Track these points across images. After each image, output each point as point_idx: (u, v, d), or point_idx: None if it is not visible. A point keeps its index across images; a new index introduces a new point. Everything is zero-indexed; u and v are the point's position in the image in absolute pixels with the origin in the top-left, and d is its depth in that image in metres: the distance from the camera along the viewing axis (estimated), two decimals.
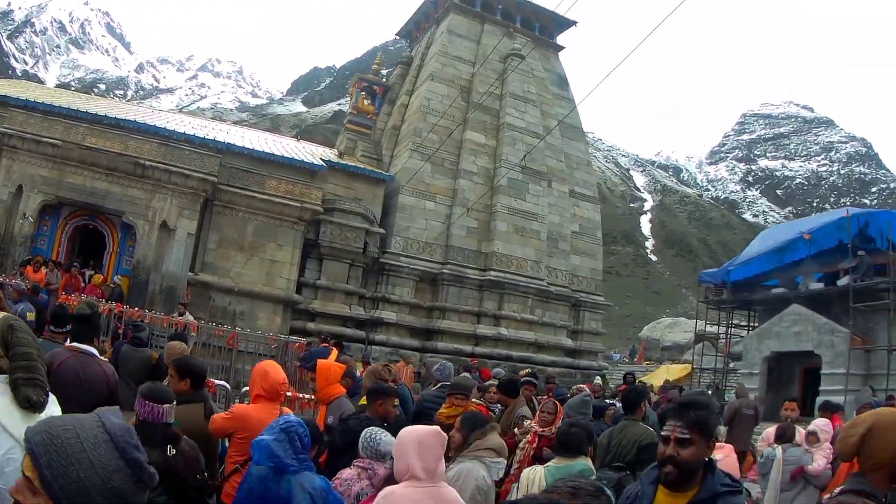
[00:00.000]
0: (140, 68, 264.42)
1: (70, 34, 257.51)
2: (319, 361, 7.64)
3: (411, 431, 4.30)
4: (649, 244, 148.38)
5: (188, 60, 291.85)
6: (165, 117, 32.64)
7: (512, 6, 35.42)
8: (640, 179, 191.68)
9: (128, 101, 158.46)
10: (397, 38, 40.53)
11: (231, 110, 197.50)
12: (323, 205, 27.00)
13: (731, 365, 29.69)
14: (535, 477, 5.82)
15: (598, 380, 23.41)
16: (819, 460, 9.20)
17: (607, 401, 11.78)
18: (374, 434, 5.15)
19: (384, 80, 37.34)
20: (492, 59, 32.95)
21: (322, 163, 28.28)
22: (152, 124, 26.44)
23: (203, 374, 6.38)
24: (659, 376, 36.33)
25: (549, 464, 6.03)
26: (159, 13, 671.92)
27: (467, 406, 7.58)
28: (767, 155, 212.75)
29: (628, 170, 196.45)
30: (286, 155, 28.12)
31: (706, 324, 30.84)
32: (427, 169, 29.75)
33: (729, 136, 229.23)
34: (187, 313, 20.53)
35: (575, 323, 31.95)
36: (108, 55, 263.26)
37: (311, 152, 30.51)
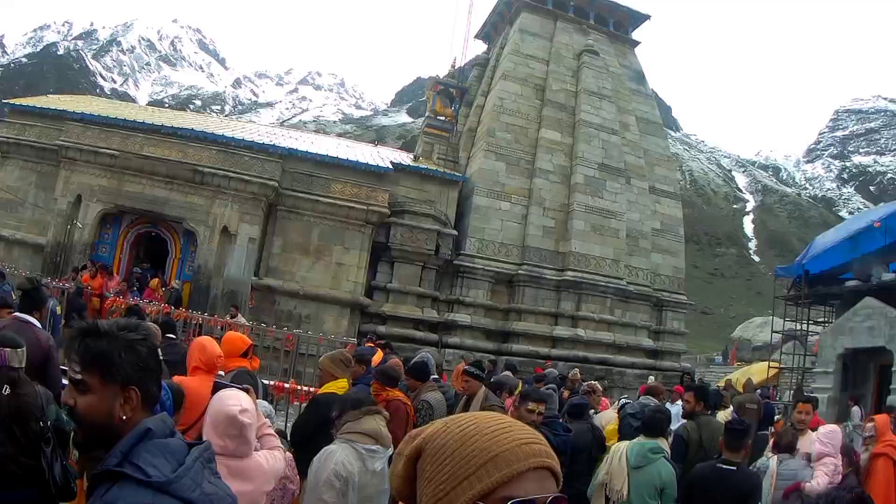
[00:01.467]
0: (237, 83, 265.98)
1: (160, 52, 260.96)
2: (227, 333, 7.82)
3: (214, 404, 4.03)
4: (752, 245, 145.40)
5: (287, 74, 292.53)
6: (225, 125, 33.24)
7: (585, 3, 34.83)
8: (741, 180, 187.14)
9: (225, 115, 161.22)
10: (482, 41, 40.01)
11: (334, 122, 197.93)
12: (393, 207, 26.85)
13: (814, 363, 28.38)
14: (620, 450, 6.93)
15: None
16: (819, 477, 7.41)
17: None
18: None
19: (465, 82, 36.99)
20: (565, 56, 32.50)
21: (388, 165, 28.09)
22: (210, 132, 26.89)
23: None
24: (739, 377, 35.16)
25: (633, 441, 6.97)
26: (254, 29, 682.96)
27: (388, 393, 7.39)
28: (860, 151, 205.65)
29: (730, 171, 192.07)
30: (350, 158, 28.03)
31: (785, 321, 29.57)
32: (502, 169, 29.34)
33: (824, 133, 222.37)
34: (239, 315, 20.55)
35: (657, 323, 31.01)
36: (203, 71, 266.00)
37: (382, 156, 30.27)
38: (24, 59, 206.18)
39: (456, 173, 29.98)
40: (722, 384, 21.70)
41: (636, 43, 36.56)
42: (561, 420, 8.41)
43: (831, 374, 23.34)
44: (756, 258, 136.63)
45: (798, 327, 28.67)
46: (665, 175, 33.70)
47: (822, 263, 27.39)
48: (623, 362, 28.45)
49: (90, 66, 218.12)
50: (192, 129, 26.92)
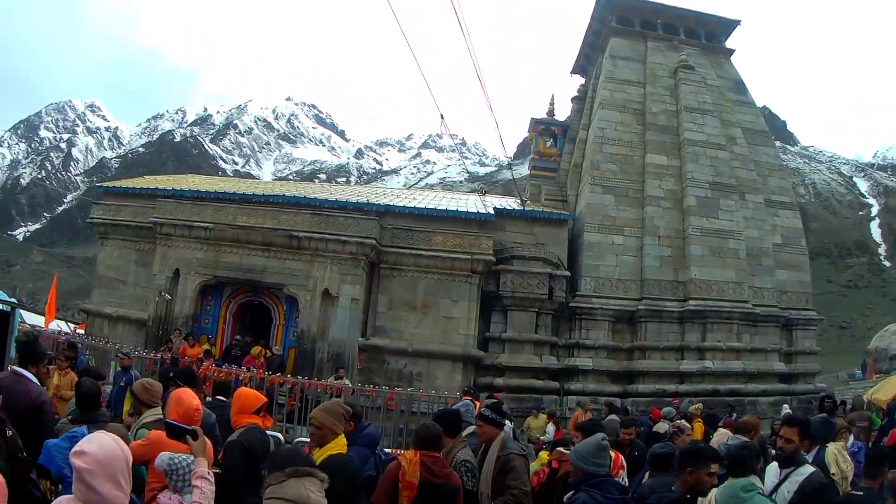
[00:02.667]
0: (359, 154, 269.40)
1: (278, 130, 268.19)
2: (240, 388, 7.92)
3: None
4: (881, 250, 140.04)
5: (408, 140, 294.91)
6: (318, 189, 33.61)
7: (673, 18, 33.62)
8: (863, 185, 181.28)
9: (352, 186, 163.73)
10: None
11: (461, 182, 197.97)
12: (500, 254, 26.01)
13: None
14: (709, 498, 5.75)
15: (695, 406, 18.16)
16: None
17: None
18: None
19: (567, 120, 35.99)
20: (661, 75, 31.38)
21: (489, 211, 27.25)
22: (302, 196, 27.14)
23: (84, 398, 7.42)
24: (885, 390, 32.86)
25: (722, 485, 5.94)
26: (368, 100, 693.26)
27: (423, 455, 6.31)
28: None
29: (851, 177, 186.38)
30: (449, 208, 27.31)
31: None
32: (610, 201, 28.21)
33: None
34: (345, 378, 20.40)
35: (788, 344, 28.84)
36: (323, 145, 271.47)
37: (486, 204, 29.33)
38: (142, 149, 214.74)
39: (563, 212, 28.97)
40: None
41: (731, 51, 34.87)
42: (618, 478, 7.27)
43: None
44: (887, 263, 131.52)
45: None
46: (780, 185, 31.76)
47: None
48: (754, 391, 26.54)
49: (209, 150, 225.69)
50: (284, 195, 27.16)
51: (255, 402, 6.94)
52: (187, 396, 6.15)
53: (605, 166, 28.72)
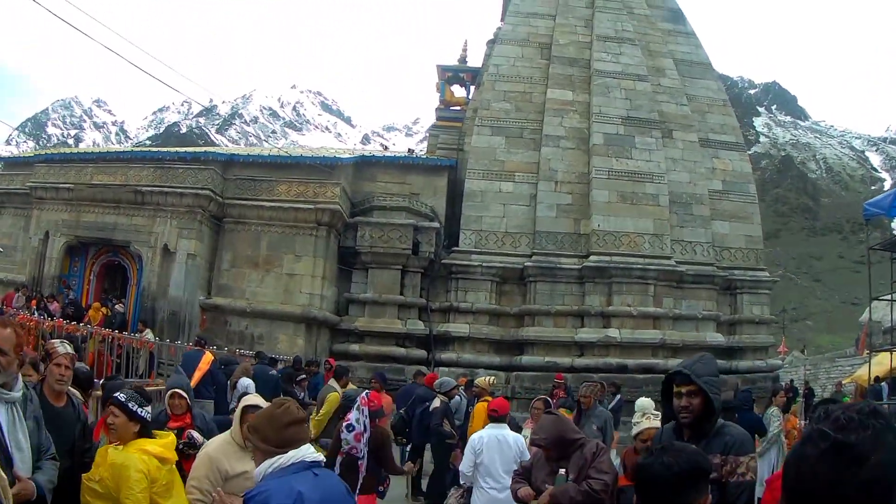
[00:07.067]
0: (365, 139, 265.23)
1: (283, 118, 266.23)
2: None
3: None
4: (895, 225, 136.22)
5: (415, 124, 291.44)
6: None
7: None
8: (875, 159, 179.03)
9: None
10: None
11: None
12: (362, 205, 23.41)
13: None
14: None
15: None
16: None
17: None
18: None
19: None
20: (576, 6, 28.03)
21: (339, 156, 24.80)
22: (147, 151, 26.88)
23: None
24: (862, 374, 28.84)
25: None
26: (376, 87, 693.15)
27: None
28: None
29: (863, 151, 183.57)
30: (293, 154, 25.23)
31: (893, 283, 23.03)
32: (500, 143, 24.44)
33: None
34: (147, 330, 19.36)
35: (731, 311, 24.62)
36: (329, 132, 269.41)
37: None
38: (148, 142, 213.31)
39: (441, 158, 25.77)
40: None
41: None
42: None
43: None
44: None
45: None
46: (721, 123, 27.17)
47: None
48: None
49: (215, 140, 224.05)
50: (132, 151, 26.87)
51: None
52: None
53: (497, 105, 25.08)
